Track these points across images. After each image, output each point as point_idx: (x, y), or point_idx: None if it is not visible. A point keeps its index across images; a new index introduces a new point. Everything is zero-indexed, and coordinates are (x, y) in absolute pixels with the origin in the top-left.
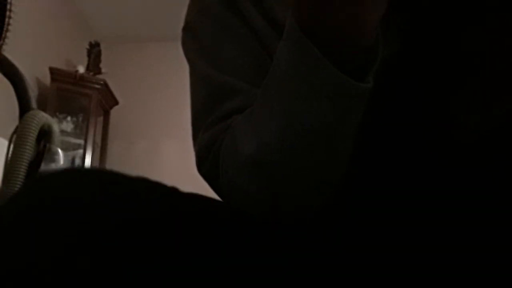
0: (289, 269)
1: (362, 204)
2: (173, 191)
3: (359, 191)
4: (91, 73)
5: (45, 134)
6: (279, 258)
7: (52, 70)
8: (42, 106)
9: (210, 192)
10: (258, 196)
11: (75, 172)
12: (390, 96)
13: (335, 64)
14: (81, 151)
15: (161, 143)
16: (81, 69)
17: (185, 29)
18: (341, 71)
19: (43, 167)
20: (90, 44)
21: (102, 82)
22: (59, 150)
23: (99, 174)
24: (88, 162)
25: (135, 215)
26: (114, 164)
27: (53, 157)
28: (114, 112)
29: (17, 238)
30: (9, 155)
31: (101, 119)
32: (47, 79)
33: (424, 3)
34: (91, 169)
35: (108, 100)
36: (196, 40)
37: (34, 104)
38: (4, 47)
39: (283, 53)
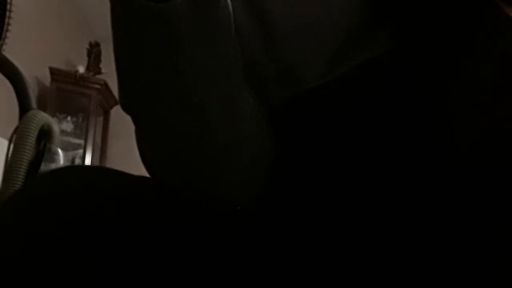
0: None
1: (355, 206)
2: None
3: (354, 193)
4: (91, 73)
5: (45, 134)
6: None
7: (52, 70)
8: (42, 106)
9: None
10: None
11: (69, 171)
12: (385, 94)
13: None
14: (81, 151)
15: None
16: (81, 69)
17: None
18: None
19: (43, 167)
20: (90, 44)
21: (102, 82)
22: (59, 150)
23: (95, 172)
24: (88, 162)
25: (132, 214)
26: (114, 164)
27: (53, 157)
28: (114, 112)
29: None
30: (9, 155)
31: (101, 119)
32: (47, 79)
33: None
34: (86, 167)
35: (108, 100)
36: None
37: (34, 104)
38: (4, 47)
39: None
